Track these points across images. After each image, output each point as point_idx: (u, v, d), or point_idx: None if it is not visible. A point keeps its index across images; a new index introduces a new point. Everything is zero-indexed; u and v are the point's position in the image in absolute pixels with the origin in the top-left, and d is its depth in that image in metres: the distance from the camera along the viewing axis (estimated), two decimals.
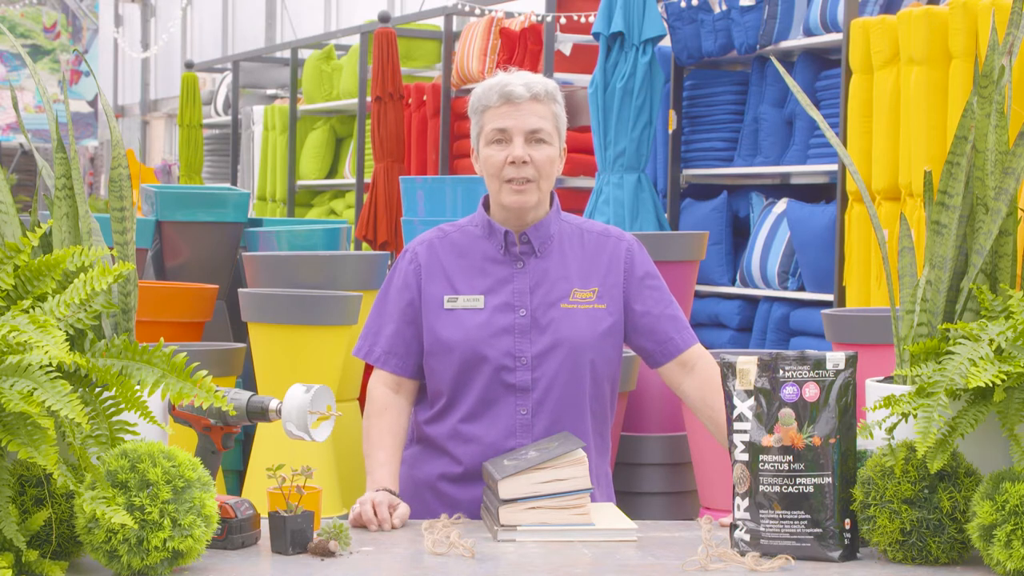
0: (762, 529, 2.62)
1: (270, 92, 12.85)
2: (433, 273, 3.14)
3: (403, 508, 2.92)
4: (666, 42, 6.94)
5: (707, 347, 3.29)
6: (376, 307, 3.21)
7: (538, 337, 3.10)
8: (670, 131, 7.07)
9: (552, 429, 3.07)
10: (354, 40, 10.10)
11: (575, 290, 3.13)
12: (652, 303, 3.17)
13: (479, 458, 3.06)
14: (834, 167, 6.16)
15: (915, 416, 2.48)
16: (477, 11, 8.36)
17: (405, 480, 3.20)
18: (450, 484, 3.12)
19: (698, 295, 6.88)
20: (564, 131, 3.14)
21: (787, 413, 2.63)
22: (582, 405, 3.12)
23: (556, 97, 3.14)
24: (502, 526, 2.79)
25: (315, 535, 2.65)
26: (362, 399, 5.72)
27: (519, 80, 3.10)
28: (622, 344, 3.18)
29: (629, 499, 4.94)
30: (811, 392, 2.63)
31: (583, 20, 7.47)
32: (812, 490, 2.60)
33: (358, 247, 8.71)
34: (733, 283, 6.85)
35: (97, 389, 2.48)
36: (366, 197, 8.66)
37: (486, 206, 3.20)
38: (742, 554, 2.60)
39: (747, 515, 2.64)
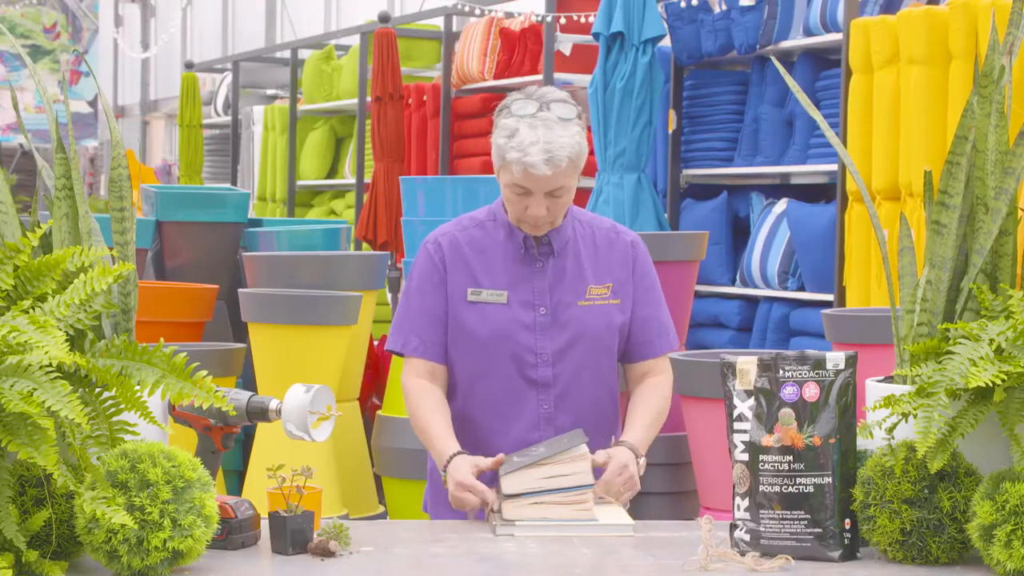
0: (762, 529, 2.62)
1: (270, 92, 12.84)
2: (457, 265, 3.17)
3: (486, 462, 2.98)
4: (666, 42, 6.93)
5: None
6: (405, 299, 3.22)
7: (558, 334, 3.14)
8: (670, 131, 7.06)
9: (575, 422, 3.12)
10: (354, 40, 10.10)
11: (591, 287, 3.18)
12: (643, 304, 3.23)
13: (504, 452, 3.06)
14: (834, 167, 6.16)
15: (915, 416, 2.48)
16: (477, 11, 8.36)
17: (432, 470, 3.22)
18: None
19: (698, 295, 6.87)
20: (584, 159, 3.08)
21: (787, 413, 2.63)
22: (602, 397, 3.19)
23: (580, 154, 3.05)
24: (502, 520, 2.80)
25: (315, 535, 2.65)
26: (362, 399, 5.72)
27: (541, 154, 3.01)
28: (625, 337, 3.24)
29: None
30: (811, 392, 2.63)
31: (583, 20, 7.47)
32: (812, 490, 2.60)
33: (358, 247, 8.71)
34: (733, 283, 6.85)
35: (97, 389, 2.48)
36: (366, 197, 8.66)
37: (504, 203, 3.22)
38: (742, 554, 2.60)
39: (747, 515, 2.64)
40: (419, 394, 3.16)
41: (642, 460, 3.08)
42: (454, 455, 3.02)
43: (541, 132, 3.02)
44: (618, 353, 3.24)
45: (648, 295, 3.23)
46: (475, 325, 3.14)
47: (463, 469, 2.98)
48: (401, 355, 3.22)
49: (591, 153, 6.93)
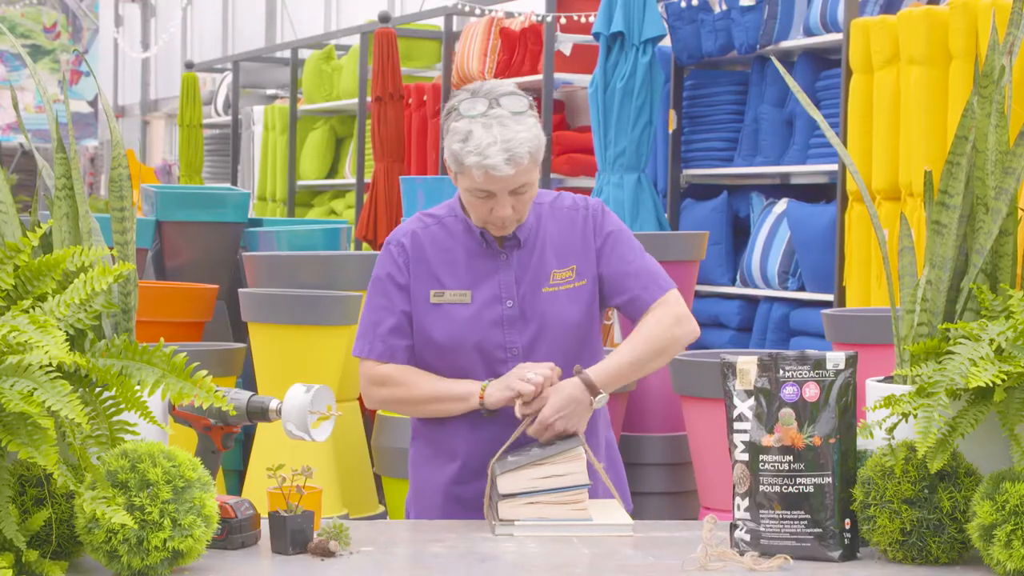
0: (762, 529, 2.62)
1: (270, 92, 12.85)
2: (419, 267, 3.10)
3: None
4: (666, 42, 6.94)
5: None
6: (370, 303, 3.15)
7: (525, 327, 3.07)
8: (670, 131, 7.06)
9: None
10: (354, 40, 10.10)
11: (554, 272, 3.09)
12: (615, 262, 3.12)
13: (483, 450, 3.03)
14: (834, 167, 6.16)
15: (915, 416, 2.48)
16: (477, 11, 8.36)
17: (412, 479, 3.20)
18: (458, 485, 3.11)
19: (698, 295, 6.88)
20: (543, 150, 3.00)
21: (787, 413, 2.63)
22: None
23: (539, 147, 2.97)
24: (500, 520, 2.81)
25: (315, 535, 2.65)
26: (363, 399, 5.72)
27: (501, 154, 2.92)
28: (601, 307, 3.16)
29: None
30: (811, 392, 2.63)
31: (583, 20, 7.47)
32: (812, 490, 2.59)
33: (358, 247, 8.72)
34: (733, 283, 6.85)
35: (97, 389, 2.48)
36: (366, 197, 8.67)
37: (462, 202, 3.13)
38: (741, 554, 2.60)
39: (747, 515, 2.64)
40: (402, 373, 3.09)
41: (601, 395, 3.00)
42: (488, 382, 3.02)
43: (497, 131, 2.93)
44: (598, 331, 3.15)
45: (616, 252, 3.11)
46: (439, 328, 3.07)
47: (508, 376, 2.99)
48: (367, 359, 3.14)
49: (591, 153, 6.94)
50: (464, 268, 3.09)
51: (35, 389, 2.30)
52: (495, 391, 3.00)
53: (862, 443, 2.67)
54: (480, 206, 3.02)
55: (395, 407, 3.21)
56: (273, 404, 2.81)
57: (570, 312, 3.09)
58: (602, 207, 3.17)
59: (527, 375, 2.96)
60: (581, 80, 7.99)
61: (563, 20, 7.61)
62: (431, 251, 3.11)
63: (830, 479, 2.59)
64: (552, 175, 7.79)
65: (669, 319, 3.09)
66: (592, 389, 3.00)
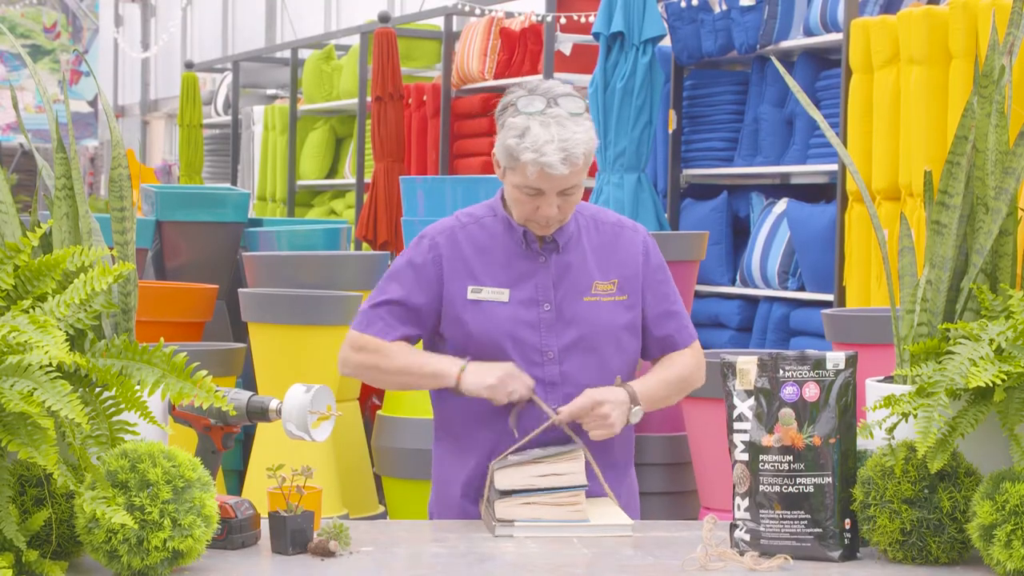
0: (762, 529, 2.62)
1: (270, 92, 12.84)
2: (455, 265, 3.08)
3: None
4: (666, 42, 6.94)
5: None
6: (380, 285, 3.14)
7: (563, 331, 3.06)
8: (670, 131, 7.06)
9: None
10: (354, 40, 10.10)
11: (596, 283, 3.09)
12: (661, 298, 3.15)
13: (503, 449, 3.01)
14: (834, 167, 6.16)
15: (915, 416, 2.49)
16: (477, 11, 8.36)
17: (435, 480, 3.19)
18: (477, 481, 3.08)
19: (698, 295, 6.88)
20: (594, 154, 3.03)
21: (787, 413, 2.63)
22: None
23: (593, 149, 2.99)
24: (499, 520, 2.80)
25: (315, 535, 2.65)
26: (362, 400, 5.73)
27: (557, 152, 2.92)
28: (640, 335, 3.16)
29: None
30: (811, 392, 2.63)
31: (583, 20, 7.47)
32: (812, 490, 2.60)
33: (358, 247, 8.72)
34: (733, 283, 6.85)
35: (97, 389, 2.48)
36: (366, 197, 8.66)
37: (504, 199, 3.12)
38: (741, 554, 2.60)
39: (747, 515, 2.64)
40: (384, 344, 3.08)
41: (636, 408, 3.02)
42: (468, 360, 3.02)
43: (555, 130, 2.93)
44: (634, 351, 3.15)
45: (662, 289, 3.15)
46: (477, 324, 3.05)
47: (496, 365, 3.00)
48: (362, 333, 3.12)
49: None
50: (502, 267, 3.08)
51: (35, 389, 2.30)
52: (473, 381, 2.98)
53: (862, 443, 2.67)
54: (526, 203, 3.01)
55: (367, 374, 3.16)
56: (273, 404, 2.81)
57: (611, 321, 3.09)
58: (651, 237, 3.20)
59: (511, 386, 2.97)
60: (581, 80, 7.99)
61: (563, 20, 7.61)
62: (469, 249, 3.10)
63: (830, 479, 2.59)
64: None
65: (693, 361, 3.18)
66: (633, 399, 3.03)
